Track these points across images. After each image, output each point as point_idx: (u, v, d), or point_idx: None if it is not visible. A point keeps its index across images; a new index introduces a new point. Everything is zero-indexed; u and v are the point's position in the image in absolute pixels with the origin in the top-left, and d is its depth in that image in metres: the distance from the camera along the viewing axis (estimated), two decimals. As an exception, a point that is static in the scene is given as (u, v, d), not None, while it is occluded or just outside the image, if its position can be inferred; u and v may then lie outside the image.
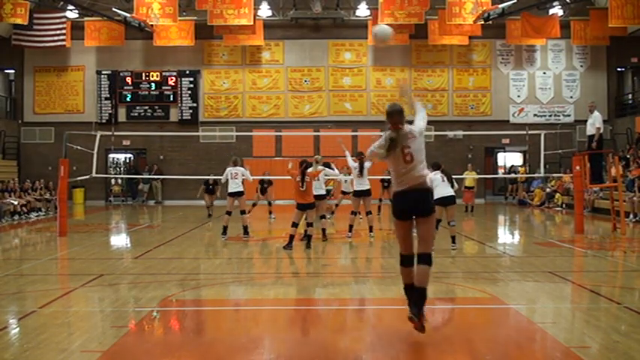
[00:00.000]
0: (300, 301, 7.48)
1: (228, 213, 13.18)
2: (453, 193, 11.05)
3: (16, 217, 18.73)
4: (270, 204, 18.75)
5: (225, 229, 12.96)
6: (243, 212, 13.21)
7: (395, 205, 5.62)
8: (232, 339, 5.86)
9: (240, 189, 13.10)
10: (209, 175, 20.17)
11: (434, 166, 11.26)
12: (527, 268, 9.49)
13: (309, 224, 11.69)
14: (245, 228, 13.24)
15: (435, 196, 10.73)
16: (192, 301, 7.66)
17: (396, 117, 5.64)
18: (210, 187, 19.48)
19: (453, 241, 11.16)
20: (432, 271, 5.73)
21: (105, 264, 10.08)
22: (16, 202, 18.95)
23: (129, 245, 13.44)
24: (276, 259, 11.32)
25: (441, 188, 10.90)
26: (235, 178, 13.05)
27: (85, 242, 12.98)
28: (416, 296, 5.48)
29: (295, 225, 11.50)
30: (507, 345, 5.65)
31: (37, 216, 19.77)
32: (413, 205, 5.50)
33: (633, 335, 5.76)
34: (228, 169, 13.28)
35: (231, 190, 13.06)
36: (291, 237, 11.34)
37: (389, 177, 18.07)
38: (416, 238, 5.66)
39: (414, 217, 5.56)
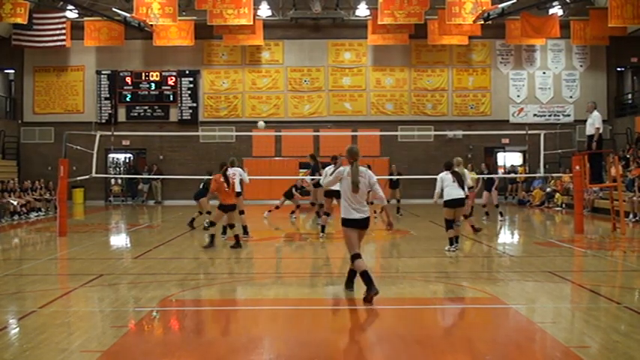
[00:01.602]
0: (300, 301, 7.48)
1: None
2: (463, 195, 10.88)
3: (16, 217, 18.73)
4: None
5: (224, 229, 12.97)
6: (241, 212, 13.22)
7: (348, 223, 7.30)
8: (232, 339, 5.86)
9: (238, 189, 13.12)
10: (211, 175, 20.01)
11: (446, 166, 11.13)
12: (527, 268, 9.49)
13: (231, 225, 11.73)
14: (245, 228, 13.25)
15: (446, 197, 10.78)
16: (192, 301, 7.66)
17: (356, 155, 7.38)
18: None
19: (456, 241, 11.02)
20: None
21: (105, 264, 10.08)
22: (15, 202, 18.94)
23: (129, 245, 13.44)
24: (276, 259, 11.33)
25: (452, 189, 10.74)
26: (233, 178, 13.07)
27: (85, 242, 12.98)
28: (367, 277, 7.08)
29: (213, 225, 11.69)
30: (507, 345, 5.65)
31: (36, 216, 19.77)
32: (361, 225, 7.35)
33: (633, 335, 5.76)
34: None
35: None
36: (212, 236, 11.51)
37: (397, 177, 18.04)
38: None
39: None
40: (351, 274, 7.51)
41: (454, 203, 10.78)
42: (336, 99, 26.91)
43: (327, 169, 12.05)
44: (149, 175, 25.84)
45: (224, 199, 11.43)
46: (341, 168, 7.58)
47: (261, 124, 16.58)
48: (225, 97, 26.89)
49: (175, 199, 26.15)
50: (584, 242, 12.62)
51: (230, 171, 13.09)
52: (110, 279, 8.67)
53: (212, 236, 11.55)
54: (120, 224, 18.44)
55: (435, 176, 11.35)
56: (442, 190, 10.86)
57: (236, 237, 11.48)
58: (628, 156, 21.61)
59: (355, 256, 7.23)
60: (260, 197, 25.83)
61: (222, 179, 11.44)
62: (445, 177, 10.84)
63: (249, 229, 13.47)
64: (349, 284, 7.54)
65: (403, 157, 26.24)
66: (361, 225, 7.31)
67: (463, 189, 10.89)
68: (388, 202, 18.17)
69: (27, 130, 26.81)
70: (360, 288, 8.16)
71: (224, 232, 12.98)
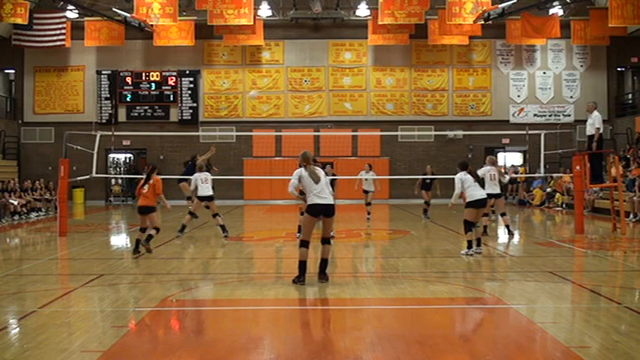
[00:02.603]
0: (300, 301, 7.48)
1: (193, 214, 14.17)
2: (485, 195, 10.74)
3: (16, 217, 18.73)
4: None
5: (224, 227, 13.35)
6: (215, 215, 13.62)
7: (310, 209, 8.15)
8: (232, 339, 5.86)
9: (211, 193, 13.62)
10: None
11: (462, 166, 10.85)
12: (527, 268, 9.49)
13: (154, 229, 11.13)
14: (222, 227, 13.47)
15: (469, 199, 10.54)
16: (192, 301, 7.66)
17: (308, 160, 8.39)
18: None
19: (478, 244, 10.70)
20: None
21: (105, 264, 10.08)
22: (16, 202, 18.94)
23: (129, 245, 13.43)
24: (276, 259, 11.32)
25: (474, 190, 10.57)
26: (206, 182, 13.58)
27: (85, 242, 12.98)
28: (323, 265, 8.23)
29: (142, 230, 11.07)
30: (507, 345, 5.65)
31: (37, 216, 19.77)
32: (324, 210, 8.17)
33: (633, 335, 5.75)
34: (196, 175, 13.71)
35: (202, 194, 13.55)
36: (137, 241, 11.00)
37: (430, 176, 17.30)
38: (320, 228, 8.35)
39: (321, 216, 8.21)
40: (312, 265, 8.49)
41: (478, 204, 10.57)
42: (336, 99, 26.91)
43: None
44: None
45: (141, 201, 10.97)
46: (298, 170, 8.46)
47: (253, 93, 16.92)
48: (226, 97, 26.90)
49: (175, 199, 26.12)
50: (584, 242, 12.62)
51: (202, 176, 13.37)
52: (110, 279, 8.67)
53: (137, 241, 11.05)
54: (120, 224, 18.44)
55: (436, 176, 11.39)
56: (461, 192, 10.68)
57: (148, 238, 10.88)
58: (628, 156, 21.60)
59: (303, 244, 8.15)
60: (260, 197, 25.86)
61: (142, 182, 11.00)
62: (465, 178, 10.61)
63: (228, 228, 13.74)
64: (301, 278, 8.17)
65: (403, 157, 26.25)
66: (324, 210, 8.13)
67: (483, 188, 10.76)
68: (427, 204, 17.59)
69: (27, 130, 26.83)
70: (360, 288, 8.16)
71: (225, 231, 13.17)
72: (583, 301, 7.45)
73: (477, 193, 10.56)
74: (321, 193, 8.18)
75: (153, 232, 10.88)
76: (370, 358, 5.20)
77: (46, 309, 6.81)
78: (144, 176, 11.17)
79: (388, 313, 6.87)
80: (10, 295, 7.62)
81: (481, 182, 10.71)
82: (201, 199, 13.64)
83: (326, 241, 8.31)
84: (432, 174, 17.93)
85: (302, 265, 8.11)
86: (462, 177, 10.65)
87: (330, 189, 8.37)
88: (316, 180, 8.18)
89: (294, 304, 7.29)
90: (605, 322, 6.21)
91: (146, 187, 10.89)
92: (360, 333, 6.06)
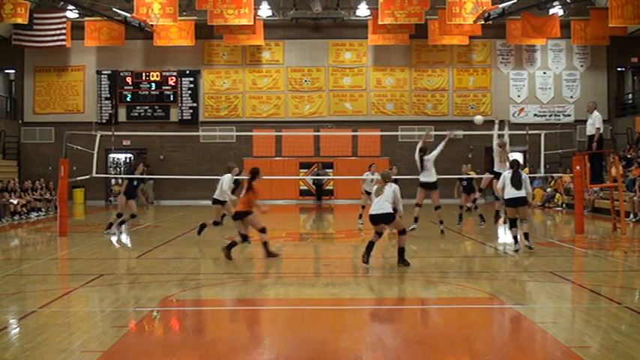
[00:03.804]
0: (300, 301, 7.48)
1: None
2: (518, 195, 10.80)
3: (16, 217, 18.73)
4: None
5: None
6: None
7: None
8: (232, 339, 5.86)
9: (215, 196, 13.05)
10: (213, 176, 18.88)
11: (511, 165, 11.17)
12: (527, 268, 9.49)
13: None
14: (202, 226, 13.32)
15: (505, 197, 10.95)
16: (192, 301, 7.66)
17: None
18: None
19: (527, 238, 11.02)
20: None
21: (105, 264, 10.08)
22: (16, 202, 18.95)
23: (129, 245, 13.44)
24: (276, 259, 11.31)
25: (509, 189, 10.86)
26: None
27: (85, 242, 12.98)
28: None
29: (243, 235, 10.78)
30: (507, 345, 5.66)
31: (37, 216, 19.77)
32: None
33: (633, 335, 5.76)
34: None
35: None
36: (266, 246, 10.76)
37: (467, 176, 16.32)
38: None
39: None
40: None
41: (512, 202, 10.84)
42: (336, 99, 26.91)
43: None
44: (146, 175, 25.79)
45: (239, 207, 10.80)
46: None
47: (478, 118, 16.20)
48: (226, 97, 26.90)
49: (178, 199, 26.15)
50: (584, 242, 12.62)
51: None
52: (110, 279, 8.68)
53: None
54: (120, 224, 18.39)
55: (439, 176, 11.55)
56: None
57: (244, 239, 10.76)
58: (628, 156, 21.60)
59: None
60: (261, 197, 25.79)
61: (245, 188, 10.80)
62: (507, 176, 10.94)
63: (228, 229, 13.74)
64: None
65: (404, 157, 26.21)
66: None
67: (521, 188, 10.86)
68: (473, 206, 16.28)
69: (27, 130, 26.82)
70: (360, 288, 8.16)
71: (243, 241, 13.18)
72: (583, 301, 7.45)
73: (511, 192, 10.81)
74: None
75: (265, 236, 10.50)
76: (370, 358, 5.20)
77: (46, 309, 6.81)
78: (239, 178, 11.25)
79: (389, 313, 6.87)
80: (10, 295, 7.62)
81: (519, 183, 10.79)
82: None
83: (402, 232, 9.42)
84: (467, 174, 16.49)
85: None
86: (505, 175, 11.06)
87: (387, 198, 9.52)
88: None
89: (294, 304, 7.29)
90: (605, 322, 6.21)
91: (246, 192, 10.50)
92: (360, 333, 6.06)
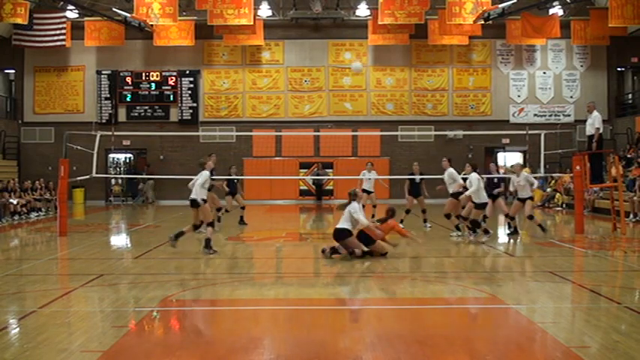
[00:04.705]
0: (300, 301, 7.48)
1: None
2: (524, 195, 13.22)
3: (16, 217, 18.72)
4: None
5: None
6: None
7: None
8: (232, 339, 5.86)
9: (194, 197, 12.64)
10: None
11: (475, 168, 13.03)
12: (527, 268, 9.49)
13: None
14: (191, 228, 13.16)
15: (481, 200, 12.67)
16: (192, 301, 7.65)
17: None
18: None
19: (542, 229, 13.14)
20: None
21: (105, 264, 10.08)
22: (16, 202, 18.94)
23: (129, 245, 13.44)
24: (276, 259, 11.32)
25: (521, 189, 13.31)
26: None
27: (85, 242, 12.98)
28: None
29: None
30: (507, 345, 5.65)
31: (37, 216, 19.77)
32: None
33: (633, 335, 5.76)
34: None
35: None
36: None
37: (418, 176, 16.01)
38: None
39: None
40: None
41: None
42: (336, 99, 26.91)
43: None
44: (146, 175, 25.84)
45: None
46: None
47: (356, 65, 17.11)
48: (226, 97, 26.90)
49: (175, 199, 26.13)
50: (584, 242, 12.62)
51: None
52: (110, 279, 8.67)
53: None
54: (120, 224, 18.44)
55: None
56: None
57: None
58: (628, 156, 21.59)
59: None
60: (261, 197, 25.84)
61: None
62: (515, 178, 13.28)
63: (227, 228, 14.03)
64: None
65: (403, 158, 26.22)
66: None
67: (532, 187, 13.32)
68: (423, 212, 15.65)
69: (27, 130, 26.82)
70: (360, 288, 8.15)
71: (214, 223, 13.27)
72: (583, 301, 7.45)
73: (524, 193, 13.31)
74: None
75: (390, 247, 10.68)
76: (370, 358, 5.20)
77: (46, 309, 6.81)
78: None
79: (388, 313, 6.87)
80: (10, 295, 7.62)
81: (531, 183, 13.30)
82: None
83: None
84: (421, 173, 15.50)
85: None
86: (526, 175, 13.31)
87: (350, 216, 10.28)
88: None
89: (294, 304, 7.29)
90: (605, 322, 6.21)
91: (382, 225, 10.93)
92: (360, 333, 6.06)
